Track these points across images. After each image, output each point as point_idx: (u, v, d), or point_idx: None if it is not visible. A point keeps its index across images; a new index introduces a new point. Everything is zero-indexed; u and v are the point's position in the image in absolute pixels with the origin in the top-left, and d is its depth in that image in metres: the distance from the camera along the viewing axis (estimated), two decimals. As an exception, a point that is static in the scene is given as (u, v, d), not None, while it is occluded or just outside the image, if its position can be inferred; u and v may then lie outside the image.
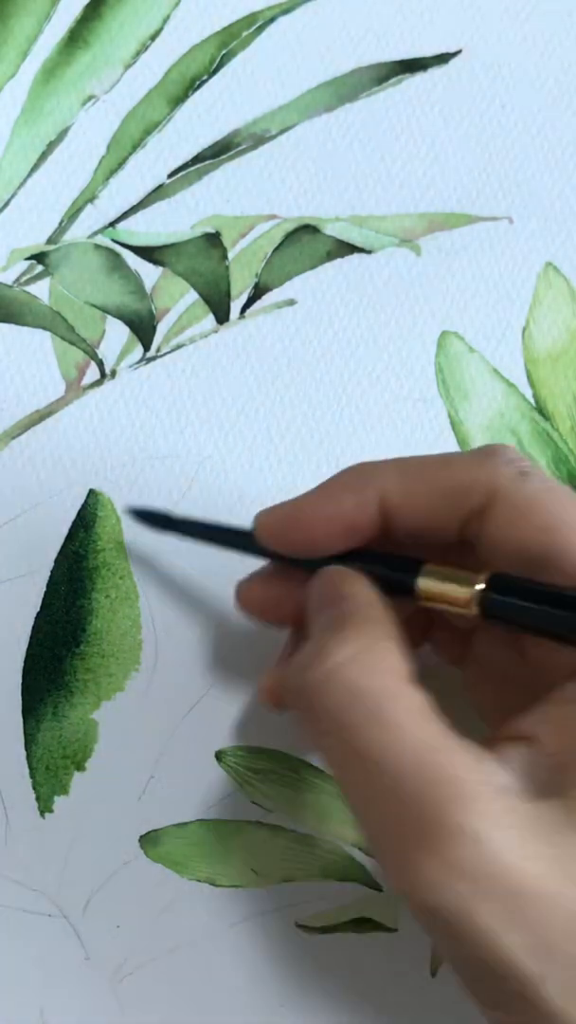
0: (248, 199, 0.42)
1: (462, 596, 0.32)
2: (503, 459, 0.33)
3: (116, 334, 0.41)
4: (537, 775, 0.31)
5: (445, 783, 0.30)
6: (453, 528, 0.33)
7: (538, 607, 0.32)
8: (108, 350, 0.41)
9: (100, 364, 0.41)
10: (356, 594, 0.33)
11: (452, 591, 0.32)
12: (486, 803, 0.29)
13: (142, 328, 0.41)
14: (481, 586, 0.32)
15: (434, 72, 0.43)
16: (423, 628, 0.37)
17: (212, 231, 0.42)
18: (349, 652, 0.31)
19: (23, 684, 0.39)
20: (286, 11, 0.42)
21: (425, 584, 0.33)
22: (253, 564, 0.37)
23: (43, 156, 0.41)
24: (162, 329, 0.41)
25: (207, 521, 0.38)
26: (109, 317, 0.41)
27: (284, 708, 0.36)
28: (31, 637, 0.39)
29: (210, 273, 0.41)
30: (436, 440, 0.41)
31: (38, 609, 0.39)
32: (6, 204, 0.41)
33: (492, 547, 0.33)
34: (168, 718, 0.39)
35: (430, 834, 0.29)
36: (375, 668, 0.31)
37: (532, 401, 0.41)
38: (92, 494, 0.40)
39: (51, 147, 0.41)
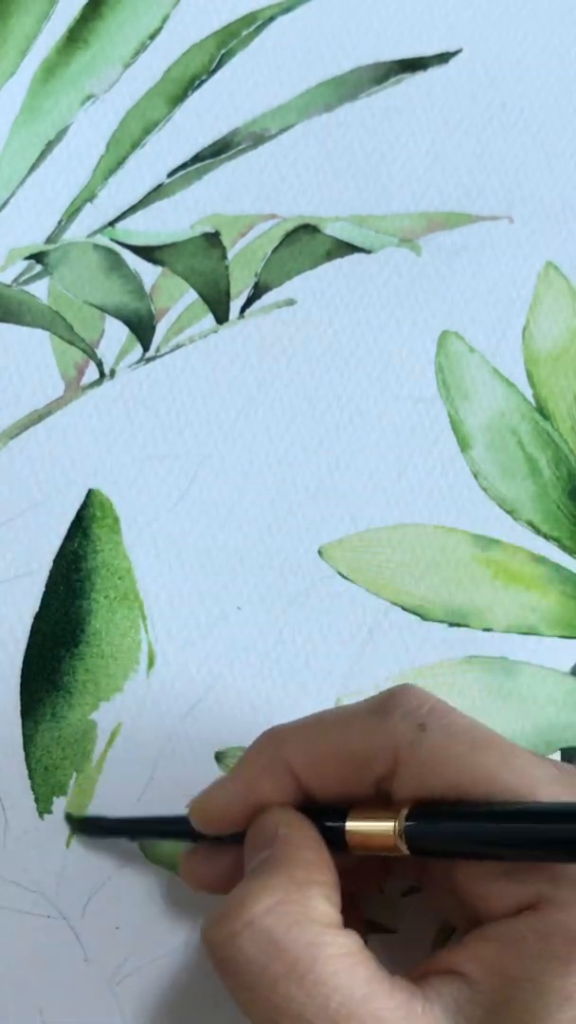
0: (247, 198, 0.42)
1: (388, 835, 0.32)
2: (400, 714, 0.32)
3: (115, 334, 0.41)
4: (470, 1012, 0.31)
5: None
6: (368, 790, 0.33)
7: (461, 828, 0.31)
8: (107, 350, 0.41)
9: (99, 364, 0.41)
10: (288, 836, 0.33)
11: (378, 831, 0.32)
12: None
13: (141, 328, 0.41)
14: (403, 823, 0.32)
15: (434, 72, 0.43)
16: (380, 874, 0.37)
17: (211, 230, 0.42)
18: (270, 901, 0.31)
19: (22, 685, 0.39)
20: (286, 10, 0.42)
21: (353, 829, 0.33)
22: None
23: (42, 155, 0.41)
24: (161, 329, 0.41)
25: (145, 817, 0.38)
26: (108, 317, 0.41)
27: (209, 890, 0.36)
28: (30, 638, 0.39)
29: (209, 273, 0.41)
30: (436, 440, 0.41)
31: (37, 610, 0.39)
32: (5, 203, 0.41)
33: (406, 805, 0.32)
34: (167, 719, 0.39)
35: None
36: (297, 918, 0.31)
37: (532, 401, 0.41)
38: (91, 494, 0.40)
39: (50, 146, 0.41)
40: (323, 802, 0.34)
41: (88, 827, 0.38)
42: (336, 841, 0.33)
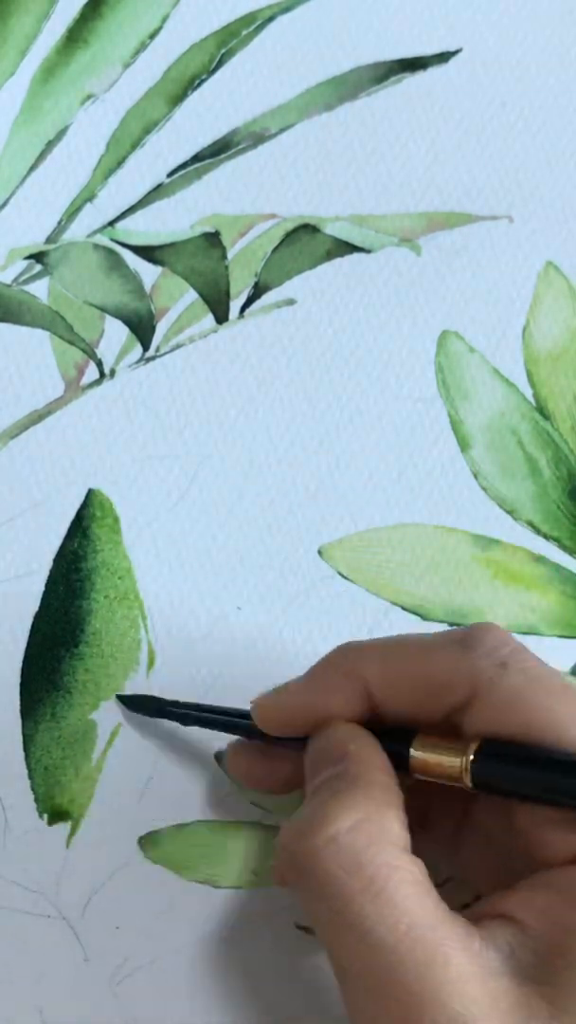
0: (247, 198, 0.42)
1: (454, 766, 0.33)
2: (483, 650, 0.33)
3: (115, 334, 0.41)
4: (523, 958, 0.31)
5: (437, 963, 0.30)
6: (438, 717, 0.34)
7: (529, 771, 0.32)
8: (107, 350, 0.41)
9: (99, 364, 0.41)
10: (360, 754, 0.33)
11: (444, 761, 0.33)
12: (477, 986, 0.30)
13: (141, 328, 0.41)
14: (471, 756, 0.32)
15: (434, 71, 0.43)
16: (421, 810, 0.37)
17: (211, 230, 0.42)
18: (351, 819, 0.31)
19: (21, 685, 0.39)
20: (285, 10, 0.42)
21: (417, 755, 0.33)
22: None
23: (42, 155, 0.41)
24: (161, 328, 0.41)
25: (201, 704, 0.38)
26: (108, 317, 0.41)
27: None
28: (29, 638, 0.39)
29: (209, 272, 0.41)
30: (436, 440, 0.41)
31: (37, 610, 0.39)
32: (5, 203, 0.41)
33: (476, 739, 0.33)
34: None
35: (420, 1013, 0.30)
36: (376, 838, 0.31)
37: (532, 401, 0.41)
38: (91, 494, 0.40)
39: (50, 146, 0.41)
40: (390, 723, 0.34)
41: (139, 705, 0.38)
42: (398, 764, 0.34)
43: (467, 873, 0.36)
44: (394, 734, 0.34)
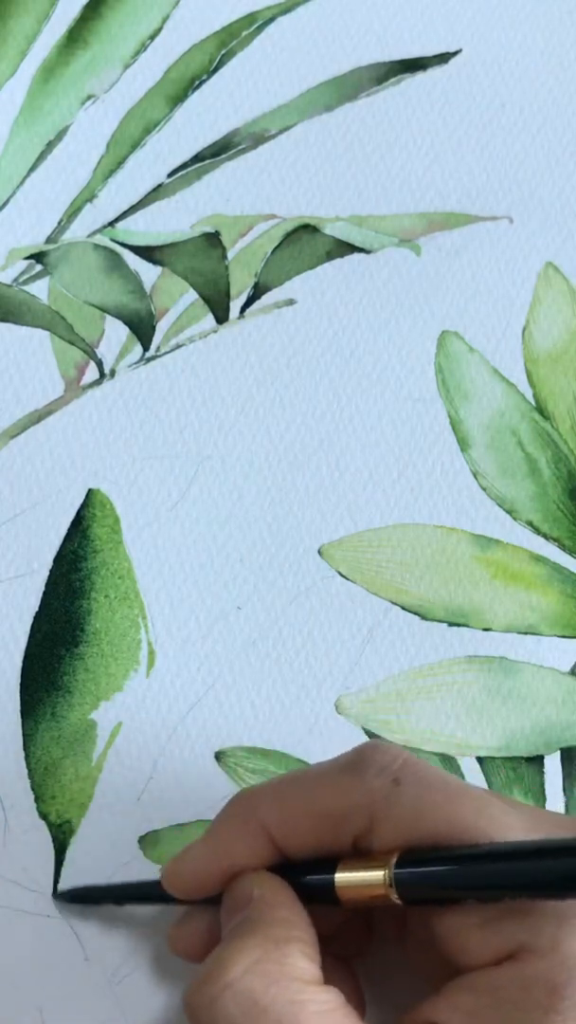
0: (248, 199, 0.42)
1: (377, 884, 0.32)
2: (373, 771, 0.32)
3: (115, 334, 0.41)
4: None
5: None
6: (347, 847, 0.33)
7: (448, 872, 0.31)
8: (107, 350, 0.41)
9: (99, 364, 0.41)
10: (264, 897, 0.32)
11: (367, 882, 0.32)
12: None
13: (141, 328, 0.41)
14: (391, 871, 0.32)
15: (434, 72, 0.43)
16: (367, 923, 0.36)
17: (212, 231, 0.42)
18: (248, 961, 0.30)
19: (22, 684, 0.39)
20: (286, 11, 0.42)
21: (341, 883, 0.32)
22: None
23: (42, 155, 0.41)
24: (161, 329, 0.41)
25: (131, 883, 0.37)
26: (108, 317, 0.41)
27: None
28: (30, 637, 0.39)
29: (209, 273, 0.41)
30: (436, 440, 0.41)
31: (37, 609, 0.39)
32: (5, 203, 0.41)
33: (391, 855, 0.32)
34: (168, 718, 0.39)
35: None
36: (275, 976, 0.30)
37: (532, 401, 0.42)
38: (91, 494, 0.40)
39: (50, 146, 0.41)
40: (298, 861, 0.33)
41: (77, 897, 0.38)
42: (324, 895, 0.33)
43: (422, 975, 0.36)
44: (316, 868, 0.33)
